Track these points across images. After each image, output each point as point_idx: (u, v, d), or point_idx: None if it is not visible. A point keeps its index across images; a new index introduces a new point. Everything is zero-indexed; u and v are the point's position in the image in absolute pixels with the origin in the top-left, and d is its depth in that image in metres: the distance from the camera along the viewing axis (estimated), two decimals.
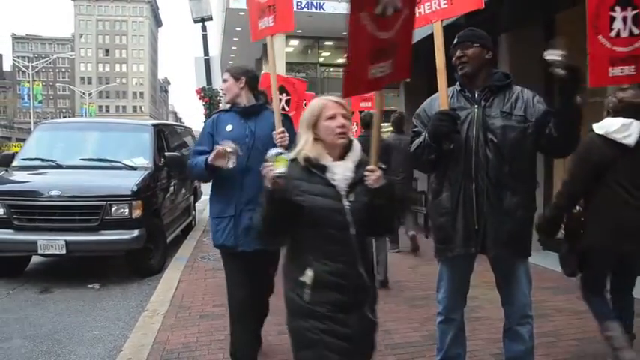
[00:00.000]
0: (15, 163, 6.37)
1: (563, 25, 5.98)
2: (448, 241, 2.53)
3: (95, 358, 3.65)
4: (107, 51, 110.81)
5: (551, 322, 3.86)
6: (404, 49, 2.03)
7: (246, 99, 2.99)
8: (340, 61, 21.94)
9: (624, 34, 2.55)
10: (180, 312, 4.30)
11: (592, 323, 3.85)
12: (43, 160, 6.34)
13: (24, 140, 12.57)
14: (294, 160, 1.93)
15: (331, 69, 24.09)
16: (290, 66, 19.14)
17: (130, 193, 5.60)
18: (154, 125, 7.13)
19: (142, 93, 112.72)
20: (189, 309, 4.38)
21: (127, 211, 5.53)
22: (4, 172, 6.40)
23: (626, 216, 2.82)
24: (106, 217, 5.47)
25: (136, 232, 5.56)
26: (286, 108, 6.03)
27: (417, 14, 2.77)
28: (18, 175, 6.18)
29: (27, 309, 4.75)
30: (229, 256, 2.96)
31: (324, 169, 1.92)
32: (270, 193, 1.84)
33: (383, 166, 1.96)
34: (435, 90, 2.59)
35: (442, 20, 2.71)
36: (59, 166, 6.17)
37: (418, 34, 4.83)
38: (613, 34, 2.55)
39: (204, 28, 10.66)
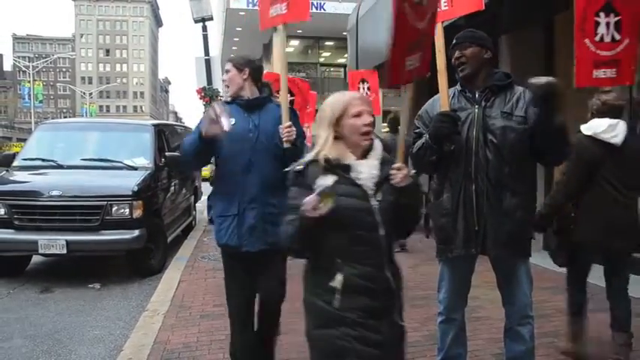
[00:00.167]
0: (16, 163, 6.38)
1: (562, 27, 5.98)
2: (449, 241, 2.53)
3: (96, 358, 3.66)
4: (108, 51, 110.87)
5: (552, 322, 3.86)
6: (429, 42, 2.03)
7: (249, 91, 2.81)
8: (340, 61, 21.95)
9: (607, 39, 2.69)
10: (181, 312, 4.30)
11: (593, 323, 3.85)
12: (43, 160, 6.35)
13: (24, 140, 12.58)
14: (313, 162, 1.83)
15: (331, 69, 24.12)
16: (290, 66, 19.16)
17: (130, 193, 5.60)
18: (155, 125, 7.15)
19: (142, 93, 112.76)
20: (190, 309, 4.38)
21: (127, 211, 5.54)
22: (4, 172, 6.41)
23: (616, 213, 2.96)
24: (107, 217, 5.47)
25: (136, 232, 5.56)
26: None
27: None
28: (19, 175, 6.19)
29: (27, 309, 4.76)
30: (232, 256, 2.81)
31: (347, 168, 1.82)
32: (308, 226, 1.70)
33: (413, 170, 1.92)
34: (436, 91, 2.59)
35: (442, 22, 2.71)
36: (60, 166, 6.17)
37: None
38: (597, 38, 2.68)
39: (204, 28, 10.65)
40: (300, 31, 18.96)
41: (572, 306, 3.28)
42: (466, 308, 2.72)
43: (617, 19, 2.70)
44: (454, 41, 2.57)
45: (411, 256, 6.44)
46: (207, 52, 10.61)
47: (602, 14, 2.68)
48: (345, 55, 14.87)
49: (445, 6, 2.71)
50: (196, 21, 10.64)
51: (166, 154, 6.79)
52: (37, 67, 47.77)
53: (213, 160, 2.92)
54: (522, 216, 2.46)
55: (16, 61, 63.18)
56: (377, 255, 1.81)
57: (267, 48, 20.23)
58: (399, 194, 1.83)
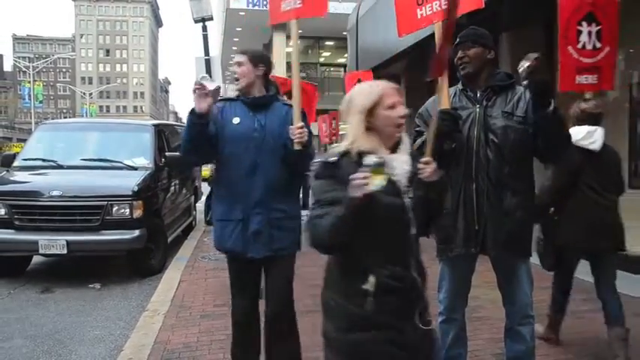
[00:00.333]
0: (16, 164, 6.39)
1: None
2: (449, 241, 2.53)
3: (96, 358, 3.66)
4: (108, 51, 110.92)
5: None
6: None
7: (258, 89, 2.66)
8: (340, 61, 21.96)
9: (589, 47, 2.83)
10: (181, 312, 4.30)
11: (593, 323, 3.85)
12: (44, 160, 6.36)
13: (25, 140, 12.58)
14: (345, 154, 1.71)
15: (332, 69, 24.13)
16: (291, 66, 19.17)
17: (130, 193, 5.60)
18: (155, 125, 7.15)
19: (142, 93, 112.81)
20: (190, 309, 4.38)
21: (127, 211, 5.54)
22: (5, 172, 6.41)
23: (598, 215, 3.13)
24: (107, 217, 5.47)
25: (136, 232, 5.56)
26: None
27: (419, 16, 2.78)
28: (19, 175, 6.19)
29: (28, 309, 4.76)
30: (236, 262, 2.70)
31: None
32: (358, 207, 1.56)
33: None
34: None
35: (443, 21, 2.70)
36: (60, 166, 6.18)
37: (418, 35, 4.83)
38: (580, 45, 2.83)
39: (204, 28, 10.64)
40: (300, 31, 18.92)
41: (554, 304, 3.46)
42: (466, 308, 2.72)
43: (598, 28, 2.83)
44: (457, 40, 2.57)
45: None
46: (207, 52, 10.60)
47: (584, 23, 2.82)
48: (345, 55, 14.87)
49: (446, 4, 2.70)
50: (196, 21, 10.63)
51: (166, 154, 6.80)
52: (37, 67, 47.79)
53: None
54: (522, 216, 2.45)
55: (16, 61, 63.24)
56: (407, 254, 1.74)
57: (268, 48, 20.24)
58: (427, 189, 1.76)
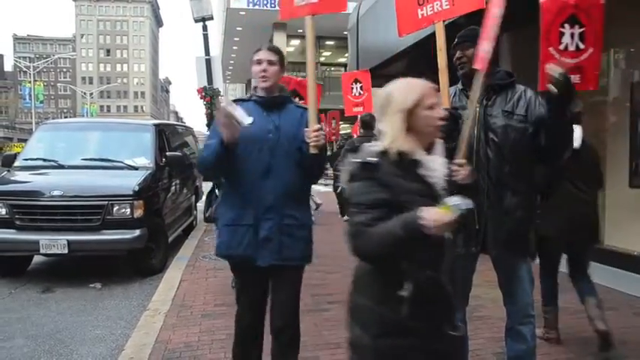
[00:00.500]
0: (17, 163, 6.39)
1: None
2: None
3: (97, 358, 3.66)
4: (108, 51, 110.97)
5: None
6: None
7: (276, 90, 2.58)
8: (341, 60, 21.93)
9: (571, 48, 2.89)
10: (182, 311, 4.30)
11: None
12: (44, 160, 6.37)
13: (25, 140, 12.60)
14: (383, 153, 1.64)
15: (332, 68, 24.11)
16: (291, 66, 19.14)
17: (131, 192, 5.61)
18: (156, 125, 7.14)
19: (143, 93, 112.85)
20: (191, 308, 4.38)
21: (128, 210, 5.54)
22: (6, 172, 6.42)
23: (578, 210, 3.37)
24: (108, 217, 5.48)
25: (137, 232, 5.57)
26: None
27: (420, 16, 2.78)
28: (20, 175, 6.19)
29: (29, 308, 4.76)
30: (243, 271, 2.56)
31: (417, 164, 1.65)
32: (425, 239, 1.51)
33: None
34: (437, 89, 2.59)
35: (444, 20, 2.71)
36: (61, 166, 6.18)
37: (419, 35, 4.83)
38: (562, 47, 2.87)
39: (205, 28, 10.65)
40: (300, 31, 18.92)
41: (544, 298, 3.55)
42: (467, 307, 2.72)
43: (581, 30, 2.88)
44: (456, 40, 2.57)
45: None
46: (207, 52, 10.60)
47: (566, 25, 2.87)
48: (346, 55, 14.87)
49: (446, 4, 2.70)
50: (197, 21, 10.64)
51: (167, 153, 6.80)
52: (38, 67, 47.78)
53: None
54: (522, 215, 2.45)
55: (16, 61, 63.27)
56: (442, 260, 1.69)
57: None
58: (460, 192, 1.70)
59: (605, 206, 5.35)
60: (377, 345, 1.65)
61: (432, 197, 1.62)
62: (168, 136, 7.46)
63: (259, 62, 2.54)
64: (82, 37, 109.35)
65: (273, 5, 16.54)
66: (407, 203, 1.56)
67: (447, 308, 1.71)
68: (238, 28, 19.14)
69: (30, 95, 44.10)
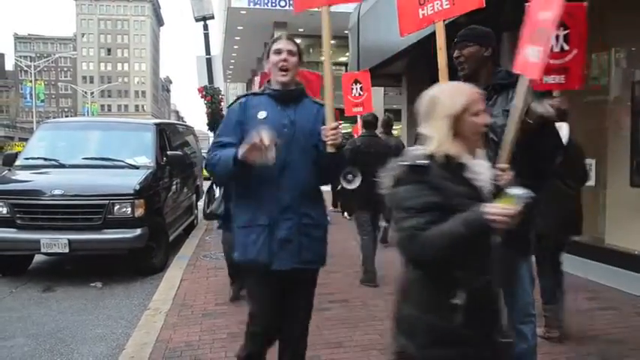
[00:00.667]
0: (18, 163, 6.40)
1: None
2: None
3: (98, 357, 3.66)
4: (109, 50, 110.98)
5: None
6: (547, 38, 2.04)
7: (293, 84, 2.41)
8: (342, 59, 21.92)
9: (556, 49, 3.00)
10: (183, 310, 4.31)
11: (593, 322, 3.85)
12: (45, 159, 6.38)
13: (26, 139, 12.60)
14: (430, 157, 1.61)
15: (333, 67, 24.05)
16: None
17: (132, 191, 5.61)
18: (156, 124, 7.15)
19: (143, 92, 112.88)
20: (192, 307, 4.39)
21: (129, 209, 5.54)
22: (7, 171, 6.42)
23: (568, 207, 3.48)
24: (109, 216, 5.48)
25: (138, 231, 5.57)
26: None
27: (421, 16, 2.78)
28: (21, 174, 6.20)
29: (30, 308, 4.77)
30: (259, 276, 2.35)
31: (463, 167, 1.63)
32: (489, 233, 1.51)
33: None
34: None
35: (444, 19, 2.71)
36: (62, 165, 6.18)
37: (420, 34, 4.83)
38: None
39: (205, 27, 10.65)
40: (301, 30, 18.94)
41: (543, 295, 3.57)
42: None
43: (566, 32, 2.99)
44: (455, 40, 2.57)
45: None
46: (208, 51, 10.61)
47: None
48: (347, 54, 14.85)
49: (447, 4, 2.70)
50: (197, 20, 10.64)
51: (168, 152, 6.81)
52: (39, 66, 47.82)
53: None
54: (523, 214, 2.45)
55: (17, 60, 63.29)
56: (491, 266, 1.66)
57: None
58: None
59: (605, 205, 5.35)
60: (424, 355, 1.62)
61: (479, 201, 1.59)
62: (169, 135, 7.46)
63: (279, 52, 2.37)
64: (82, 37, 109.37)
65: (274, 4, 16.55)
66: (458, 206, 1.54)
67: (496, 314, 1.69)
68: (239, 28, 19.12)
69: (31, 94, 44.14)
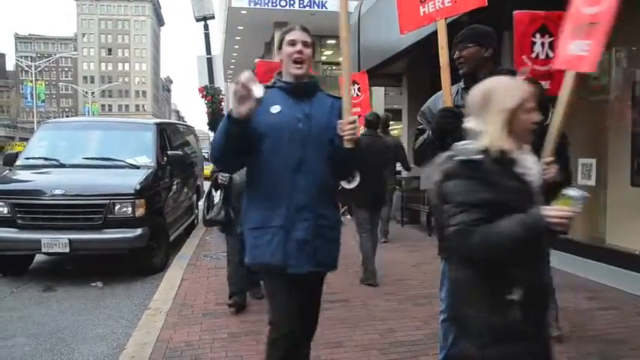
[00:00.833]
0: (18, 162, 6.41)
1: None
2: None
3: (98, 357, 3.66)
4: (109, 50, 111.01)
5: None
6: (601, 33, 2.03)
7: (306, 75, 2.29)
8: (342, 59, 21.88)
9: (542, 56, 3.11)
10: (183, 310, 4.31)
11: (594, 322, 3.84)
12: (46, 159, 6.39)
13: (27, 139, 12.62)
14: (484, 152, 1.60)
15: (333, 67, 24.07)
16: None
17: (133, 191, 5.61)
18: (157, 124, 7.15)
19: (144, 92, 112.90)
20: (192, 307, 4.39)
21: (130, 209, 5.54)
22: (7, 171, 6.43)
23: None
24: (110, 216, 5.48)
25: (139, 231, 5.57)
26: None
27: (422, 13, 2.77)
28: (21, 174, 6.20)
29: (30, 307, 4.77)
30: (276, 278, 2.23)
31: (513, 162, 1.62)
32: (547, 235, 1.52)
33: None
34: (439, 88, 2.58)
35: (446, 18, 2.70)
36: (62, 165, 6.19)
37: (420, 33, 4.82)
38: (534, 55, 3.12)
39: (206, 27, 10.68)
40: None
41: None
42: None
43: (550, 39, 3.08)
44: (455, 40, 2.57)
45: (414, 255, 6.43)
46: (208, 51, 10.64)
47: (538, 35, 3.11)
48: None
49: (448, 2, 2.70)
50: (198, 20, 10.67)
51: (168, 152, 6.81)
52: (40, 66, 47.83)
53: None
54: None
55: (18, 60, 63.28)
56: (542, 261, 1.66)
57: (269, 47, 20.22)
58: (548, 190, 1.68)
59: (606, 205, 5.34)
60: (484, 354, 1.61)
61: (529, 195, 1.60)
62: (169, 135, 7.47)
63: (293, 43, 2.23)
64: (83, 37, 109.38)
65: (274, 4, 16.54)
66: (510, 202, 1.55)
67: (547, 311, 1.70)
68: (240, 27, 19.10)
69: (31, 94, 44.18)
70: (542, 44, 3.13)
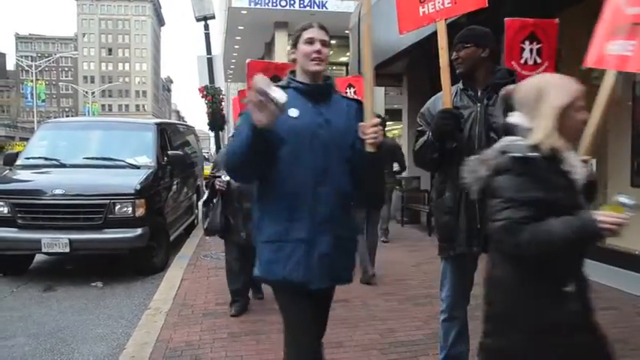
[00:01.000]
0: (19, 162, 6.41)
1: (565, 24, 5.95)
2: (451, 239, 2.53)
3: (98, 357, 3.66)
4: (110, 50, 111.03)
5: None
6: None
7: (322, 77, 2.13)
8: (342, 59, 21.93)
9: (530, 62, 3.20)
10: (183, 310, 4.31)
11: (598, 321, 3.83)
12: (46, 158, 6.40)
13: (27, 139, 12.62)
14: (535, 149, 1.58)
15: (333, 67, 24.07)
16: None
17: (133, 191, 5.62)
18: (157, 124, 7.16)
19: (144, 92, 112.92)
20: (192, 307, 4.39)
21: (130, 209, 5.55)
22: (7, 170, 6.43)
23: None
24: (110, 216, 5.49)
25: (139, 231, 5.58)
26: None
27: (421, 13, 2.77)
28: (22, 174, 6.21)
29: (30, 307, 4.77)
30: (294, 296, 2.05)
31: (561, 160, 1.61)
32: (597, 240, 1.54)
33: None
34: (439, 89, 2.59)
35: (446, 19, 2.70)
36: (63, 165, 6.20)
37: (420, 34, 4.82)
38: (522, 61, 3.19)
39: (206, 27, 10.67)
40: None
41: None
42: (468, 306, 2.72)
43: (538, 46, 3.20)
44: (454, 41, 2.58)
45: (414, 255, 6.44)
46: (209, 51, 10.63)
47: (527, 42, 3.23)
48: (347, 54, 14.85)
49: (448, 3, 2.70)
50: (198, 20, 10.65)
51: (169, 152, 6.81)
52: (40, 66, 47.85)
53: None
54: None
55: (18, 60, 63.31)
56: (582, 259, 1.68)
57: (270, 47, 20.23)
58: (585, 189, 1.69)
59: (607, 205, 5.35)
60: (534, 347, 1.60)
61: (575, 194, 1.61)
62: (169, 135, 7.47)
63: (311, 42, 2.06)
64: (83, 36, 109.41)
65: (274, 4, 16.54)
66: (558, 200, 1.55)
67: (589, 304, 1.70)
68: (240, 27, 19.10)
69: (32, 94, 44.20)
70: (531, 50, 3.24)
